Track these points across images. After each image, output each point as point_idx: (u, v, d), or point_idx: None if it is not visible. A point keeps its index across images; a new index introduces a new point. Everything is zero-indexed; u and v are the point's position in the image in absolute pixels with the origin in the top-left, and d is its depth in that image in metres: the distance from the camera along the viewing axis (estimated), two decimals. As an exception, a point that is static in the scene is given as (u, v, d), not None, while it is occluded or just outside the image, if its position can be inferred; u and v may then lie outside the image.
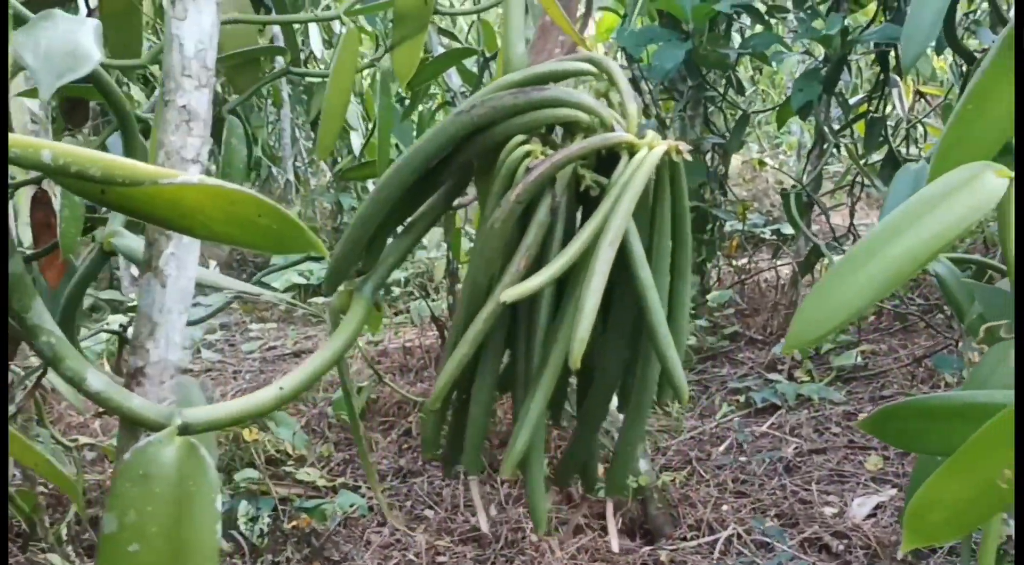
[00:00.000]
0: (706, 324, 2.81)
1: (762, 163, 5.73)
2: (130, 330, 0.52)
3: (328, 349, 0.55)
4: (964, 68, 2.49)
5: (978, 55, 0.98)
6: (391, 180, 0.55)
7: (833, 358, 2.50)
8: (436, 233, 3.64)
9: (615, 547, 0.55)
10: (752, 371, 2.54)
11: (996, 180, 0.55)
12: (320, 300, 3.74)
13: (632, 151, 0.50)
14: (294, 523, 1.80)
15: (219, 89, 1.68)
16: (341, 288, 0.58)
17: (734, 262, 3.52)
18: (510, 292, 0.46)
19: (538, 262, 0.51)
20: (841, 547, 1.56)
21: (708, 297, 2.92)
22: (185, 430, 0.47)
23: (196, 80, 0.49)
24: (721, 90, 3.15)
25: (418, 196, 0.57)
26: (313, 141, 4.98)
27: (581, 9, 0.72)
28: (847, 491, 1.75)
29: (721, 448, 2.02)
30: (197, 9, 0.48)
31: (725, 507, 1.72)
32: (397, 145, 2.28)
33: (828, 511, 1.68)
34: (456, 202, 0.64)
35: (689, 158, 0.51)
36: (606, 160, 0.52)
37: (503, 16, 0.56)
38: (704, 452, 2.01)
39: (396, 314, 3.86)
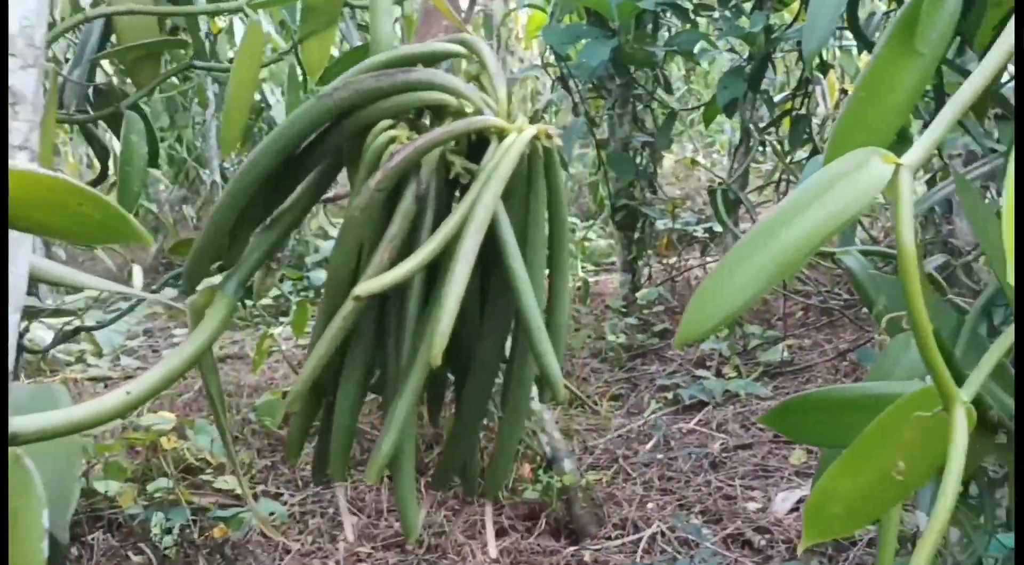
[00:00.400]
0: (636, 322, 2.81)
1: (694, 162, 5.78)
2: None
3: (185, 350, 0.51)
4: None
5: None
6: (249, 170, 0.51)
7: (760, 354, 2.52)
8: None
9: (493, 553, 0.52)
10: (681, 368, 2.55)
11: (883, 165, 0.53)
12: (247, 304, 3.66)
13: (501, 136, 0.47)
14: (210, 533, 1.74)
15: (117, 83, 1.62)
16: (202, 286, 0.54)
17: (665, 260, 3.54)
18: (364, 286, 0.43)
19: (406, 254, 0.48)
20: (763, 542, 1.56)
21: (638, 295, 2.92)
22: (13, 440, 0.43)
23: (21, 59, 0.45)
24: (649, 88, 3.15)
25: (283, 186, 0.53)
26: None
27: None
28: (771, 486, 1.76)
29: (648, 446, 2.02)
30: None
31: (651, 505, 1.71)
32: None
33: (752, 506, 1.67)
34: (332, 194, 0.61)
35: (560, 143, 0.48)
36: (477, 146, 0.49)
37: (370, -7, 0.53)
38: (631, 450, 2.00)
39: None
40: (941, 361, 0.48)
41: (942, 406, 0.50)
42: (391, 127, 0.49)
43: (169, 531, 1.74)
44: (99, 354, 3.13)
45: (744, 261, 0.53)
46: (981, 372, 0.70)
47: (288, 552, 1.75)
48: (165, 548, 1.66)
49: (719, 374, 2.47)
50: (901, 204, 0.53)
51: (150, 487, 1.84)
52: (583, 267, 4.30)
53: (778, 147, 2.89)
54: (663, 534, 1.60)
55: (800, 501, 1.66)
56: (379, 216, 0.48)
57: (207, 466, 2.12)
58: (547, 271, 0.52)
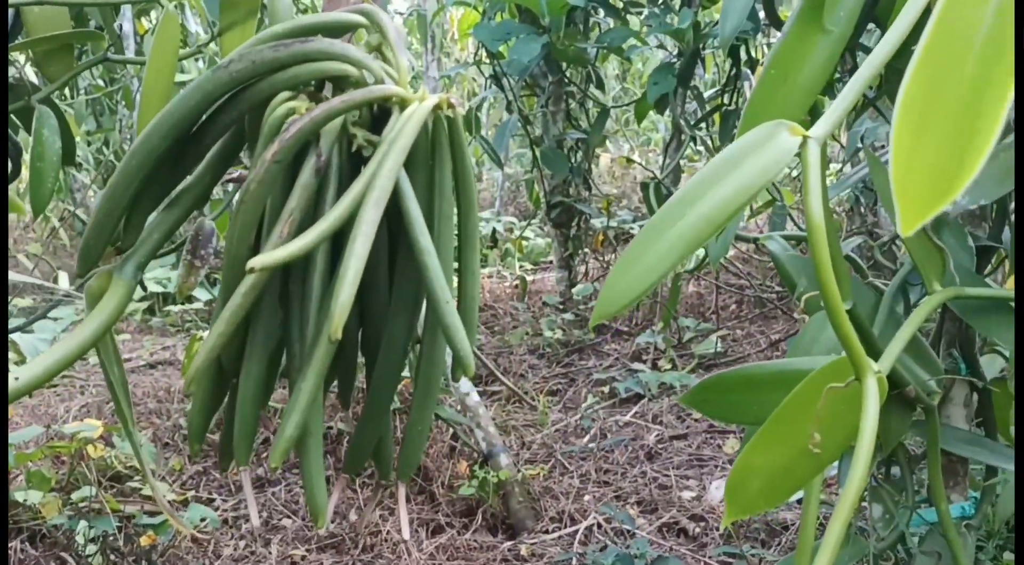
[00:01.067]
0: (573, 318, 2.81)
1: (629, 160, 5.83)
2: None
3: (80, 334, 0.49)
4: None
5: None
6: (141, 147, 0.49)
7: (695, 346, 2.54)
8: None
9: (406, 534, 0.51)
10: (617, 362, 2.56)
11: (791, 138, 0.53)
12: (176, 308, 3.59)
13: (403, 106, 0.46)
14: (138, 541, 1.69)
15: (29, 76, 1.57)
16: (99, 269, 0.52)
17: (601, 257, 3.55)
18: (261, 259, 0.41)
19: (308, 229, 0.47)
20: (698, 530, 1.57)
21: (574, 290, 2.93)
22: None
23: None
24: (582, 86, 3.17)
25: (181, 164, 0.51)
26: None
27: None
28: (706, 475, 1.77)
29: (585, 439, 2.02)
30: None
31: (587, 497, 1.71)
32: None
33: (687, 495, 1.68)
34: (236, 174, 0.59)
35: (463, 112, 0.47)
36: (380, 118, 0.48)
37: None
38: (568, 444, 2.00)
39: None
40: (852, 331, 0.48)
41: (855, 376, 0.50)
42: (290, 99, 0.48)
43: (94, 540, 1.69)
44: (22, 361, 3.04)
45: (657, 237, 0.53)
46: (896, 345, 0.71)
47: (219, 556, 1.71)
48: (89, 556, 1.61)
49: (655, 367, 2.49)
50: (809, 174, 0.53)
51: (75, 496, 1.79)
52: (521, 266, 4.31)
53: (709, 142, 2.92)
54: (599, 526, 1.60)
55: (734, 489, 1.68)
56: (279, 190, 0.47)
57: (135, 474, 2.07)
58: (455, 245, 0.51)
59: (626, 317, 2.90)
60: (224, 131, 0.51)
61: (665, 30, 2.65)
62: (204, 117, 0.50)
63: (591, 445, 1.89)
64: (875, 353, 0.83)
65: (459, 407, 1.69)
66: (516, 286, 3.44)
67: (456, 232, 0.51)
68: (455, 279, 0.50)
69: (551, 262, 4.40)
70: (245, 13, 1.36)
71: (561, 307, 2.99)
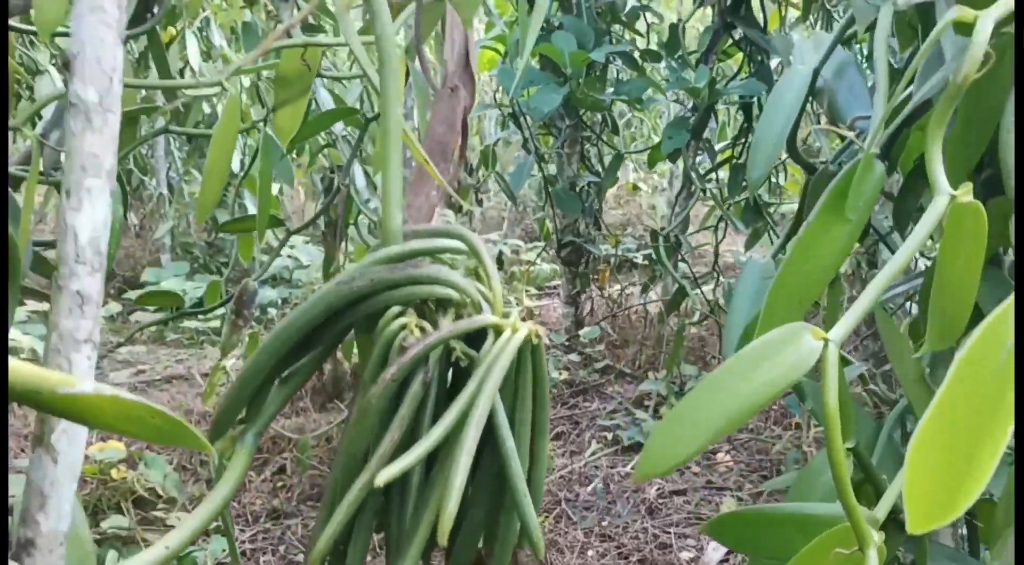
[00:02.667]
0: (578, 358, 2.91)
1: (636, 188, 5.93)
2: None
3: (213, 500, 0.59)
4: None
5: (819, 166, 1.09)
6: (273, 343, 0.59)
7: (696, 395, 2.63)
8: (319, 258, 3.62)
9: None
10: (621, 406, 2.65)
11: (813, 341, 0.63)
12: (193, 324, 3.68)
13: (498, 331, 0.55)
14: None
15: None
16: (226, 436, 0.62)
17: (607, 290, 3.65)
18: (385, 474, 0.51)
19: (411, 430, 0.56)
20: (696, 593, 1.66)
21: (580, 333, 3.02)
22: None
23: (89, 266, 0.51)
24: (597, 129, 3.26)
25: (298, 354, 0.61)
26: (187, 152, 4.87)
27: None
28: (703, 535, 1.86)
29: (589, 488, 2.11)
30: (91, 202, 0.51)
31: (591, 552, 1.81)
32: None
33: (685, 556, 1.78)
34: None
35: (547, 341, 0.56)
36: (475, 333, 0.58)
37: (383, 186, 0.60)
38: (573, 493, 2.09)
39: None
40: (858, 510, 0.57)
41: (858, 546, 0.60)
42: (401, 313, 0.57)
43: (122, 570, 1.78)
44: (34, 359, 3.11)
45: (686, 421, 0.62)
46: (893, 492, 0.80)
47: (240, 591, 1.81)
48: (120, 589, 1.70)
49: (656, 413, 2.58)
50: (827, 376, 0.63)
51: (104, 525, 1.88)
52: (527, 292, 4.40)
53: (717, 195, 3.02)
54: (602, 581, 1.70)
55: (730, 551, 1.77)
56: (388, 398, 0.56)
57: (158, 499, 2.16)
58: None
59: (630, 359, 3.00)
60: (340, 332, 0.60)
61: (682, 86, 2.74)
62: (325, 319, 0.59)
63: (599, 501, 1.98)
64: (876, 484, 0.93)
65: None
66: (523, 318, 3.53)
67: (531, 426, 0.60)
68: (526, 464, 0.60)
69: (555, 287, 4.49)
70: (298, 92, 1.47)
71: (567, 345, 3.08)
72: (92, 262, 0.52)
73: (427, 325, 0.57)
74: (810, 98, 1.01)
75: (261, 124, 1.54)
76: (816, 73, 1.00)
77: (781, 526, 0.83)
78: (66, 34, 1.20)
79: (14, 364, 0.43)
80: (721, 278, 3.04)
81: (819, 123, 2.97)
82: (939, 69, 0.85)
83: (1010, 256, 0.90)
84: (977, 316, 0.77)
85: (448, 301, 0.57)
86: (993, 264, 0.92)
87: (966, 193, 0.64)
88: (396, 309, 0.57)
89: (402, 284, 0.57)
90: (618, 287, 3.56)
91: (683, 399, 0.63)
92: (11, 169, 1.20)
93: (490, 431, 0.56)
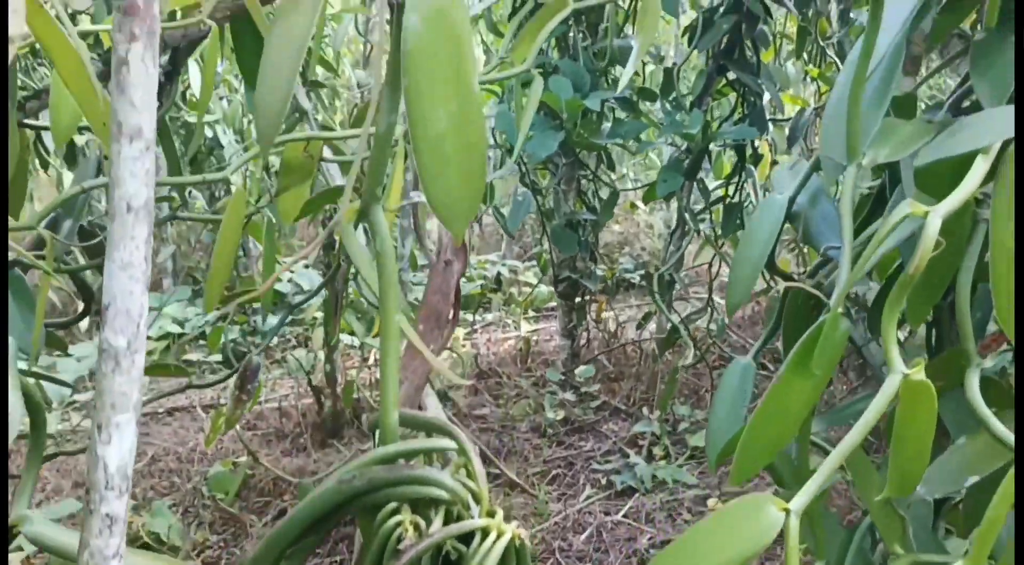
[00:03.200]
0: (573, 397, 2.97)
1: (634, 205, 5.98)
2: None
3: None
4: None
5: (796, 277, 1.14)
6: (282, 531, 0.64)
7: (688, 437, 2.69)
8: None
9: None
10: (615, 447, 2.71)
11: (775, 513, 0.68)
12: (196, 357, 3.73)
13: (485, 532, 0.61)
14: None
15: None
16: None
17: (602, 322, 3.70)
18: None
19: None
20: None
21: (576, 372, 3.08)
22: None
23: (117, 490, 0.57)
24: (594, 165, 3.32)
25: (303, 538, 0.66)
26: (190, 171, 4.91)
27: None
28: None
29: (583, 537, 2.17)
30: (120, 435, 0.57)
31: (582, 611, 1.87)
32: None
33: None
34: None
35: (529, 544, 0.62)
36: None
37: (381, 386, 0.66)
38: (567, 542, 2.15)
39: (272, 363, 3.89)
40: None
41: None
42: (396, 510, 0.63)
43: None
44: (47, 407, 3.18)
45: None
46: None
47: (243, 645, 1.86)
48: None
49: (650, 454, 2.64)
50: (790, 546, 0.68)
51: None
52: (525, 316, 4.45)
53: (710, 237, 3.08)
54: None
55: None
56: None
57: (162, 545, 2.22)
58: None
59: (625, 394, 3.06)
60: (339, 521, 0.66)
61: (676, 131, 2.80)
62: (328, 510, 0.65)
63: (598, 551, 2.04)
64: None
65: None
66: (521, 349, 3.59)
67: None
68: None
69: (553, 308, 4.55)
70: (300, 178, 1.53)
71: (563, 378, 3.14)
72: (119, 486, 0.58)
73: (421, 522, 0.62)
74: (787, 223, 1.06)
75: (265, 204, 1.59)
76: (792, 200, 1.05)
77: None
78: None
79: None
80: (716, 313, 3.09)
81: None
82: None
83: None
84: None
85: (439, 500, 0.63)
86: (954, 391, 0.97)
87: (918, 372, 0.70)
88: (393, 505, 0.63)
89: (398, 483, 0.63)
90: (614, 319, 3.62)
91: (654, 561, 0.69)
92: (20, 254, 1.22)
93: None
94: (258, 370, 1.60)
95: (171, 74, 1.51)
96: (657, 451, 2.65)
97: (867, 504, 0.97)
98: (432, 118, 0.59)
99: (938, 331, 1.02)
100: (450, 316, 0.78)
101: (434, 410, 1.61)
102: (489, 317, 4.47)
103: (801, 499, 0.69)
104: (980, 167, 0.73)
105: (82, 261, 1.51)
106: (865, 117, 0.86)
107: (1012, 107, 0.73)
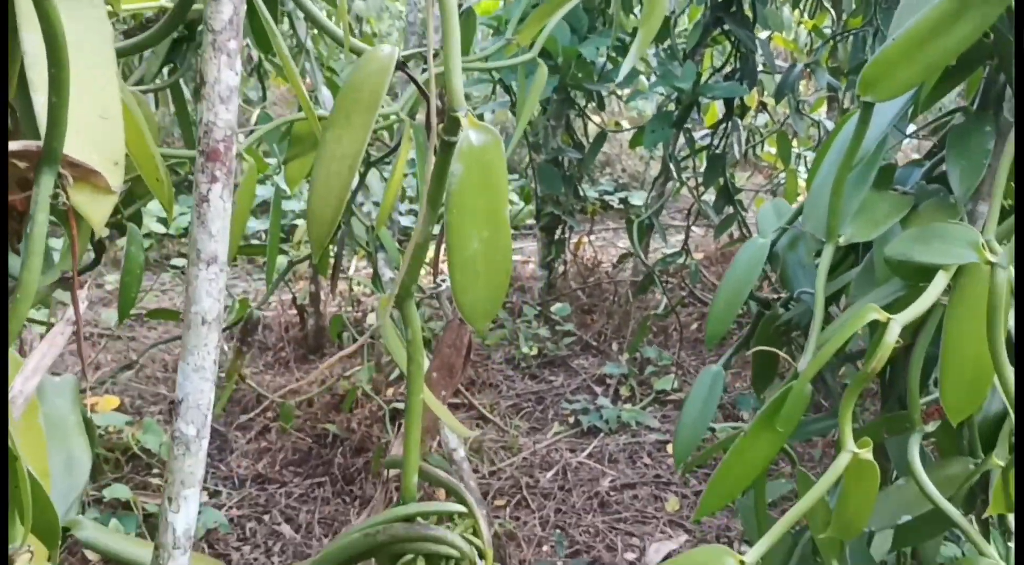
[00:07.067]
0: (548, 333, 3.09)
1: (618, 125, 6.00)
2: None
3: None
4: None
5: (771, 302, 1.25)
6: (314, 571, 0.75)
7: (654, 380, 2.84)
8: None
9: None
10: (583, 384, 2.85)
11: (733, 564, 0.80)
12: (181, 262, 3.80)
13: (489, 588, 0.73)
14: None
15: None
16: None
17: (580, 250, 3.81)
18: None
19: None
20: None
21: (552, 309, 3.20)
22: None
23: (182, 549, 0.68)
24: (583, 105, 3.36)
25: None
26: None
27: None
28: (647, 534, 2.09)
29: (548, 474, 2.32)
30: (187, 506, 0.67)
31: (546, 547, 2.03)
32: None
33: (629, 557, 2.01)
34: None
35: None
36: (470, 575, 0.75)
37: (405, 451, 0.76)
38: (533, 479, 2.31)
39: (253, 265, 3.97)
40: None
41: None
42: (412, 561, 0.74)
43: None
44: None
45: None
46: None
47: (231, 563, 2.02)
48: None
49: (616, 394, 2.79)
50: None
51: (105, 494, 2.06)
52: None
53: (692, 187, 3.15)
54: (555, 580, 1.92)
55: (669, 554, 2.00)
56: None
57: (152, 459, 2.34)
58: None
59: (597, 331, 3.19)
60: (361, 562, 0.77)
61: (668, 83, 2.84)
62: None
63: (563, 489, 2.20)
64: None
65: (447, 460, 1.98)
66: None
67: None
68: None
69: (530, 227, 4.63)
70: (308, 147, 1.61)
71: (538, 313, 3.26)
72: (184, 545, 0.68)
73: (434, 574, 0.74)
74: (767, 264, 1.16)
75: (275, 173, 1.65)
76: (773, 244, 1.15)
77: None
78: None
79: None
80: (689, 256, 3.21)
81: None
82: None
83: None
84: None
85: (448, 557, 0.74)
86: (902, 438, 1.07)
87: (866, 451, 0.81)
88: (409, 556, 0.74)
89: (416, 540, 0.74)
90: (592, 251, 3.72)
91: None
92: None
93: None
94: (258, 324, 1.69)
95: (188, 38, 1.55)
96: (623, 391, 2.80)
97: (811, 528, 1.10)
98: (467, 243, 0.67)
99: (891, 380, 1.13)
100: (461, 368, 0.88)
101: (456, 444, 1.74)
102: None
103: (756, 552, 0.82)
104: (940, 281, 0.83)
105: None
106: (846, 200, 0.95)
107: (973, 231, 0.82)
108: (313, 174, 0.70)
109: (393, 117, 1.57)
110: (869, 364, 0.82)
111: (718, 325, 1.16)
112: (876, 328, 0.82)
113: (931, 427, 0.98)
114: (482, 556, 0.74)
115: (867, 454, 0.82)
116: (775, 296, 1.29)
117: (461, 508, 0.76)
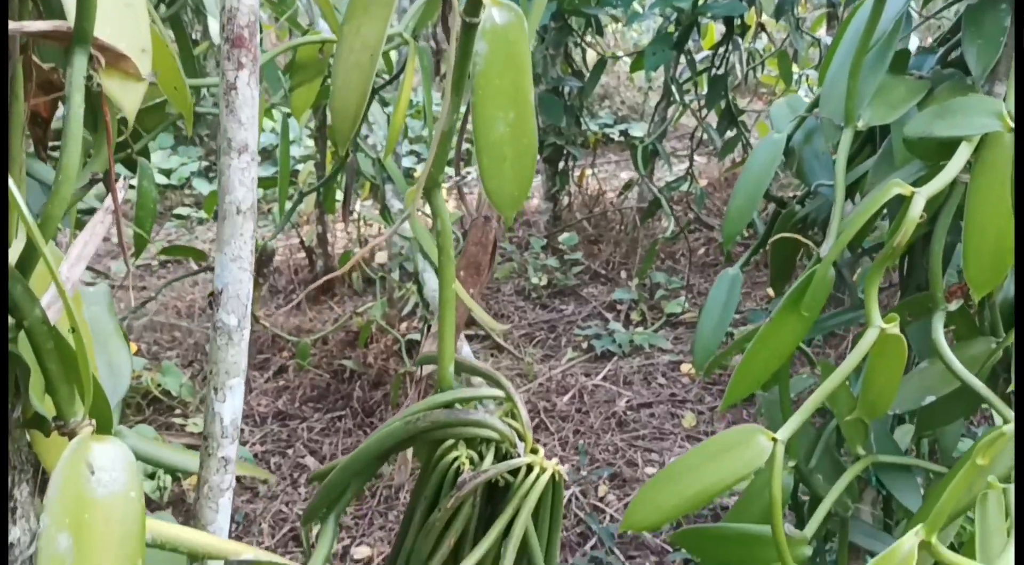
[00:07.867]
0: (556, 263, 3.10)
1: (615, 56, 5.93)
2: None
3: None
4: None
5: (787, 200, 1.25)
6: (354, 461, 0.77)
7: (664, 303, 2.85)
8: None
9: None
10: (595, 311, 2.87)
11: (764, 442, 0.82)
12: (186, 211, 3.79)
13: (530, 467, 0.74)
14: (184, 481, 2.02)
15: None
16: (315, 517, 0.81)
17: (585, 180, 3.80)
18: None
19: (462, 534, 0.75)
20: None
21: (560, 239, 3.20)
22: None
23: (230, 438, 0.69)
24: (582, 31, 3.32)
25: (372, 465, 0.79)
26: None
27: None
28: (666, 450, 2.12)
29: (565, 398, 2.35)
30: (232, 395, 0.68)
31: (567, 466, 2.06)
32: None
33: (650, 471, 2.04)
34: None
35: (567, 479, 0.75)
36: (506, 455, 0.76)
37: (440, 344, 0.77)
38: (551, 403, 2.33)
39: (262, 213, 3.97)
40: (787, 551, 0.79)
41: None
42: (453, 446, 0.75)
43: (152, 476, 2.01)
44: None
45: (653, 500, 0.83)
46: (820, 514, 1.01)
47: (257, 494, 2.05)
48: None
49: (627, 319, 2.80)
50: (775, 471, 0.82)
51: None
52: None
53: (695, 109, 3.13)
54: (576, 498, 1.95)
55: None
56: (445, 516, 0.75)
57: (171, 398, 2.37)
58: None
59: (604, 260, 3.19)
60: (401, 450, 0.78)
61: (667, 3, 2.80)
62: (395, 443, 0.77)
63: (580, 410, 2.23)
64: (812, 490, 1.15)
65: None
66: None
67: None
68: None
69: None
70: (312, 74, 1.60)
71: (545, 244, 3.27)
72: (232, 435, 0.70)
73: (475, 456, 0.75)
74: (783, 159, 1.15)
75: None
76: (789, 138, 1.14)
77: (728, 541, 1.05)
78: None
79: (197, 537, 0.61)
80: (695, 180, 3.20)
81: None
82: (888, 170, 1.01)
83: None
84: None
85: (489, 440, 0.75)
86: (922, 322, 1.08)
87: (893, 326, 0.82)
88: (450, 441, 0.76)
89: (456, 425, 0.75)
90: (596, 182, 3.71)
91: (652, 481, 0.82)
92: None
93: (524, 547, 0.75)
94: (273, 254, 1.70)
95: (184, -32, 1.53)
96: (634, 316, 2.81)
97: (836, 413, 1.11)
98: (493, 126, 0.67)
99: (910, 270, 1.14)
100: (488, 265, 0.89)
101: (467, 352, 1.75)
102: (473, 172, 4.53)
103: (787, 430, 0.83)
104: (963, 153, 0.83)
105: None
106: (862, 83, 0.94)
107: (995, 101, 0.82)
108: (334, 69, 0.70)
109: (398, 39, 1.56)
110: (894, 239, 0.83)
111: (736, 223, 1.17)
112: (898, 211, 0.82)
113: (954, 306, 0.99)
114: (521, 438, 0.75)
115: (894, 328, 0.83)
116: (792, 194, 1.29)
117: (500, 392, 0.77)
